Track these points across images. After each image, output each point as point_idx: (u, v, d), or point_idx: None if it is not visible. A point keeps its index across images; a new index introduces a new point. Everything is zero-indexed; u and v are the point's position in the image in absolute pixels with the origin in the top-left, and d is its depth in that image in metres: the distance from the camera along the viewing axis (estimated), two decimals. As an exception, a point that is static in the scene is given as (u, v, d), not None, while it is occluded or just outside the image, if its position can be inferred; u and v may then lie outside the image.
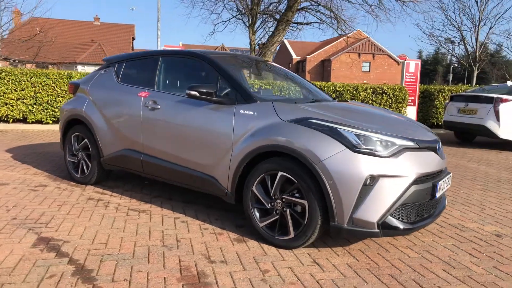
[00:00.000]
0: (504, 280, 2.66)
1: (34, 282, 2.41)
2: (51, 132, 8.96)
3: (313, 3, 12.36)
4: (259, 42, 12.72)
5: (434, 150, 3.10)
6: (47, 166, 5.48)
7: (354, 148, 2.75)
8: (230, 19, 13.88)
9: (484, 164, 6.86)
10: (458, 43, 25.19)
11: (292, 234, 2.94)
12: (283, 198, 2.98)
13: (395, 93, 11.37)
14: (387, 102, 11.37)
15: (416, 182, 2.81)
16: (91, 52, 34.06)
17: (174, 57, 4.05)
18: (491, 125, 8.48)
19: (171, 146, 3.66)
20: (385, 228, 2.73)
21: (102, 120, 4.26)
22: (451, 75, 48.48)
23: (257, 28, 13.06)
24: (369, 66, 51.68)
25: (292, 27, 12.80)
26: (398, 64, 51.27)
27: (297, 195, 2.93)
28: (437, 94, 12.16)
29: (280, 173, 2.96)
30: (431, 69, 67.00)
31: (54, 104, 9.39)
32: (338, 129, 2.82)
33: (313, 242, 3.00)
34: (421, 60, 20.08)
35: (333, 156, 2.75)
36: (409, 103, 11.66)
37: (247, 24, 12.70)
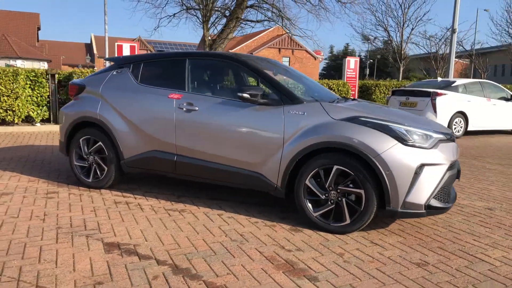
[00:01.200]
0: (519, 243, 3.32)
1: (144, 285, 2.47)
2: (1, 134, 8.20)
3: (259, 1, 12.76)
4: (208, 38, 12.76)
5: (453, 141, 3.68)
6: (35, 172, 5.16)
7: (404, 142, 3.20)
8: (175, 13, 13.72)
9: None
10: (373, 40, 27.52)
11: (348, 220, 3.31)
12: (338, 189, 3.33)
13: (339, 88, 12.27)
14: (333, 97, 12.22)
15: (449, 168, 3.36)
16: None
17: (204, 59, 4.13)
18: (430, 116, 9.68)
19: (212, 146, 3.78)
20: (430, 209, 3.23)
21: (123, 122, 4.20)
22: (367, 69, 52.35)
23: (211, 24, 13.10)
24: (289, 61, 53.73)
25: (244, 24, 13.07)
26: (315, 59, 54.17)
27: (351, 185, 3.31)
28: (374, 88, 13.37)
29: (335, 167, 3.30)
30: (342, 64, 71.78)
31: (-1, 104, 8.57)
32: (390, 126, 3.25)
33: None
34: (332, 55, 21.64)
35: (389, 149, 3.17)
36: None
37: (201, 20, 12.65)
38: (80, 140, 4.47)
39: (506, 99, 10.97)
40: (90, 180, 4.46)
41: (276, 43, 51.47)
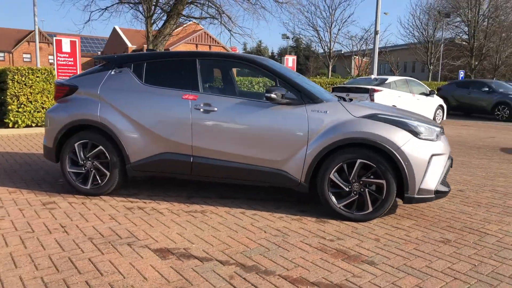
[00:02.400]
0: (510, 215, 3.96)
1: (225, 285, 2.51)
2: None
3: (200, -3, 12.64)
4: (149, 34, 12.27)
5: (444, 133, 4.22)
6: (9, 183, 4.68)
7: (417, 135, 3.62)
8: (108, 7, 12.89)
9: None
10: (297, 38, 28.75)
11: (370, 209, 3.65)
12: (361, 180, 3.64)
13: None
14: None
15: (448, 157, 3.87)
16: None
17: (217, 60, 4.13)
18: (369, 110, 10.57)
19: (233, 146, 3.84)
20: (438, 193, 3.70)
21: (129, 124, 4.03)
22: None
23: (155, 19, 12.54)
24: (207, 57, 53.33)
25: (187, 20, 12.79)
26: (233, 55, 54.52)
27: (372, 177, 3.64)
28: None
29: (359, 161, 3.61)
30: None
31: None
32: (405, 121, 3.65)
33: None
34: (245, 52, 22.40)
35: (407, 143, 3.56)
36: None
37: (145, 15, 12.05)
38: (75, 145, 4.17)
39: (426, 94, 12.41)
40: (87, 187, 4.20)
41: (193, 39, 50.86)
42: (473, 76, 29.93)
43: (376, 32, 14.85)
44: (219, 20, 12.95)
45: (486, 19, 31.08)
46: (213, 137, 3.88)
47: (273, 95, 3.65)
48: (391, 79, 11.59)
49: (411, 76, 17.74)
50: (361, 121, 3.65)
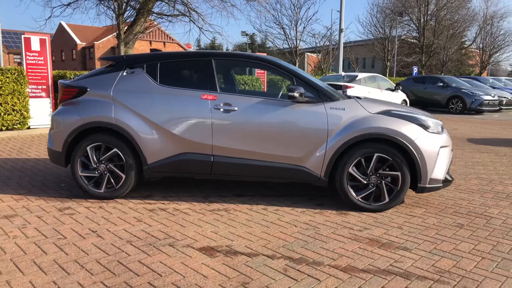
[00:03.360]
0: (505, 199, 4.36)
1: (284, 278, 2.62)
2: None
3: (169, -6, 12.41)
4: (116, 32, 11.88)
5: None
6: (10, 189, 4.47)
7: (427, 129, 3.91)
8: (71, 2, 12.27)
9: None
10: (251, 36, 28.96)
11: (387, 199, 3.89)
12: (378, 173, 3.87)
13: (253, 83, 12.89)
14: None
15: (451, 149, 4.20)
16: None
17: (233, 60, 4.18)
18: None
19: (254, 145, 3.93)
20: (445, 182, 4.02)
21: (146, 126, 4.00)
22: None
23: (127, 16, 12.09)
24: (162, 54, 52.38)
25: (159, 18, 12.51)
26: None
27: (387, 169, 3.88)
28: (280, 83, 14.36)
29: (376, 154, 3.83)
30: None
31: None
32: (417, 117, 3.92)
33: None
34: (200, 49, 22.31)
35: (419, 136, 3.83)
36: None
37: (116, 13, 11.58)
38: (88, 148, 4.08)
39: (391, 90, 13.06)
40: (101, 191, 4.12)
41: (147, 36, 49.67)
42: (424, 72, 31.75)
43: (341, 30, 15.38)
44: (189, 17, 12.86)
45: (434, 18, 33.04)
46: (233, 136, 3.95)
47: (295, 94, 3.79)
48: (360, 75, 12.10)
49: (370, 72, 18.55)
50: (377, 117, 3.88)
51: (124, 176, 4.09)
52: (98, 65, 48.08)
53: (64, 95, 4.25)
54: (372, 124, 3.83)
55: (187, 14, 12.71)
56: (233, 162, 3.99)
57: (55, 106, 9.28)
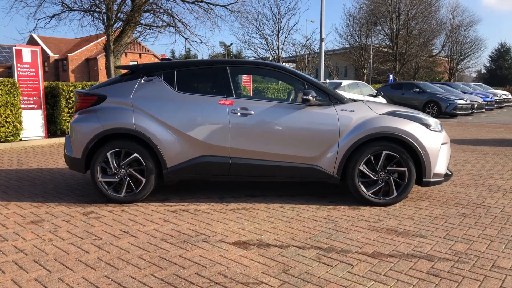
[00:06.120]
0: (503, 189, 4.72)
1: (319, 266, 2.84)
2: None
3: (155, 6, 12.53)
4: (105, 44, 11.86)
5: (439, 126, 4.91)
6: (26, 198, 4.52)
7: (430, 128, 4.24)
8: (55, 14, 12.18)
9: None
10: (227, 46, 29.25)
11: (395, 194, 4.18)
12: (386, 170, 4.16)
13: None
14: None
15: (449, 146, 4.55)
16: None
17: (247, 67, 4.40)
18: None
19: (270, 146, 4.15)
20: (446, 176, 4.35)
21: (165, 131, 4.16)
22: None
23: (116, 28, 12.08)
24: (137, 66, 51.99)
25: (148, 29, 12.59)
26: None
27: (394, 165, 4.18)
28: (266, 91, 14.66)
29: (384, 152, 4.12)
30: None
31: None
32: (420, 117, 4.25)
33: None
34: (175, 58, 22.29)
35: (423, 134, 4.15)
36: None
37: (105, 24, 11.56)
38: (108, 154, 4.19)
39: (373, 96, 13.56)
40: (122, 195, 4.24)
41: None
42: (398, 79, 32.90)
43: (321, 40, 15.88)
44: (175, 28, 13.01)
45: (406, 27, 34.40)
46: (250, 139, 4.16)
47: (310, 97, 4.05)
48: (345, 82, 12.54)
49: (349, 79, 19.12)
50: (385, 118, 4.18)
51: (144, 180, 4.22)
52: (72, 78, 47.32)
53: (82, 103, 4.36)
54: (380, 124, 4.13)
55: (173, 25, 12.90)
56: (250, 163, 4.19)
57: (46, 117, 9.23)
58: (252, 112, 4.17)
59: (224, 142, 4.17)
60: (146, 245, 3.17)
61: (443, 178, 4.30)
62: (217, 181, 5.14)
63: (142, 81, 4.33)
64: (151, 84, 4.31)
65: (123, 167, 4.22)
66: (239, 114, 4.17)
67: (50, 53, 50.20)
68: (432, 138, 4.20)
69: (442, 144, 4.29)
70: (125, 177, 4.23)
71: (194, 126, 4.17)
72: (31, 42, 51.96)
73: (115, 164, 4.22)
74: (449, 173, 4.43)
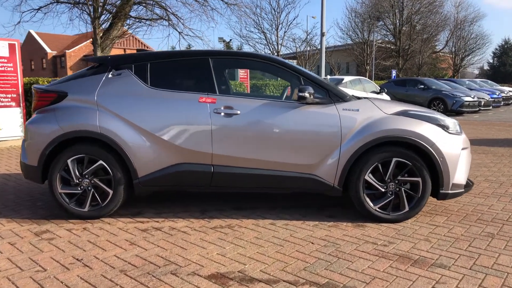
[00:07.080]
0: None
1: (316, 310, 2.20)
2: None
3: (146, -2, 11.89)
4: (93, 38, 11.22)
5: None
6: (-22, 211, 3.88)
7: (448, 131, 3.58)
8: (41, 7, 11.54)
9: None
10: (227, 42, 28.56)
11: (407, 208, 3.53)
12: (396, 180, 3.51)
13: (237, 88, 12.48)
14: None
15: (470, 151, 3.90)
16: None
17: (233, 60, 3.75)
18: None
19: (259, 152, 3.50)
20: (466, 187, 3.69)
21: (136, 134, 3.52)
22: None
23: (103, 21, 11.44)
24: (135, 62, 51.53)
25: (138, 22, 11.94)
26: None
27: (406, 175, 3.53)
28: (264, 87, 13.99)
29: (394, 159, 3.47)
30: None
31: None
32: (436, 117, 3.59)
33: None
34: None
35: (440, 138, 3.50)
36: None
37: (92, 16, 10.91)
38: (68, 161, 3.56)
39: (376, 92, 12.89)
40: (85, 210, 3.60)
41: (121, 43, 48.66)
42: (401, 75, 32.12)
43: (322, 34, 15.18)
44: (168, 21, 12.34)
45: (409, 22, 33.58)
46: (236, 143, 3.52)
47: (306, 94, 3.39)
48: (346, 78, 11.88)
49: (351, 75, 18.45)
50: (395, 118, 3.52)
51: (111, 192, 3.58)
52: (70, 74, 46.77)
53: (40, 101, 3.71)
54: (389, 126, 3.48)
55: (166, 18, 12.23)
56: (236, 172, 3.55)
57: (26, 116, 8.60)
58: (238, 112, 3.52)
59: (205, 148, 3.52)
60: (99, 279, 2.53)
61: (463, 190, 3.65)
62: (200, 192, 4.49)
63: (110, 75, 3.68)
64: (120, 78, 3.66)
65: (86, 176, 3.58)
66: (222, 114, 3.52)
67: (48, 50, 49.69)
68: (450, 142, 3.54)
69: (462, 149, 3.63)
70: (89, 188, 3.60)
71: (169, 128, 3.53)
72: (29, 38, 51.42)
73: (77, 173, 3.58)
74: (470, 183, 3.78)
